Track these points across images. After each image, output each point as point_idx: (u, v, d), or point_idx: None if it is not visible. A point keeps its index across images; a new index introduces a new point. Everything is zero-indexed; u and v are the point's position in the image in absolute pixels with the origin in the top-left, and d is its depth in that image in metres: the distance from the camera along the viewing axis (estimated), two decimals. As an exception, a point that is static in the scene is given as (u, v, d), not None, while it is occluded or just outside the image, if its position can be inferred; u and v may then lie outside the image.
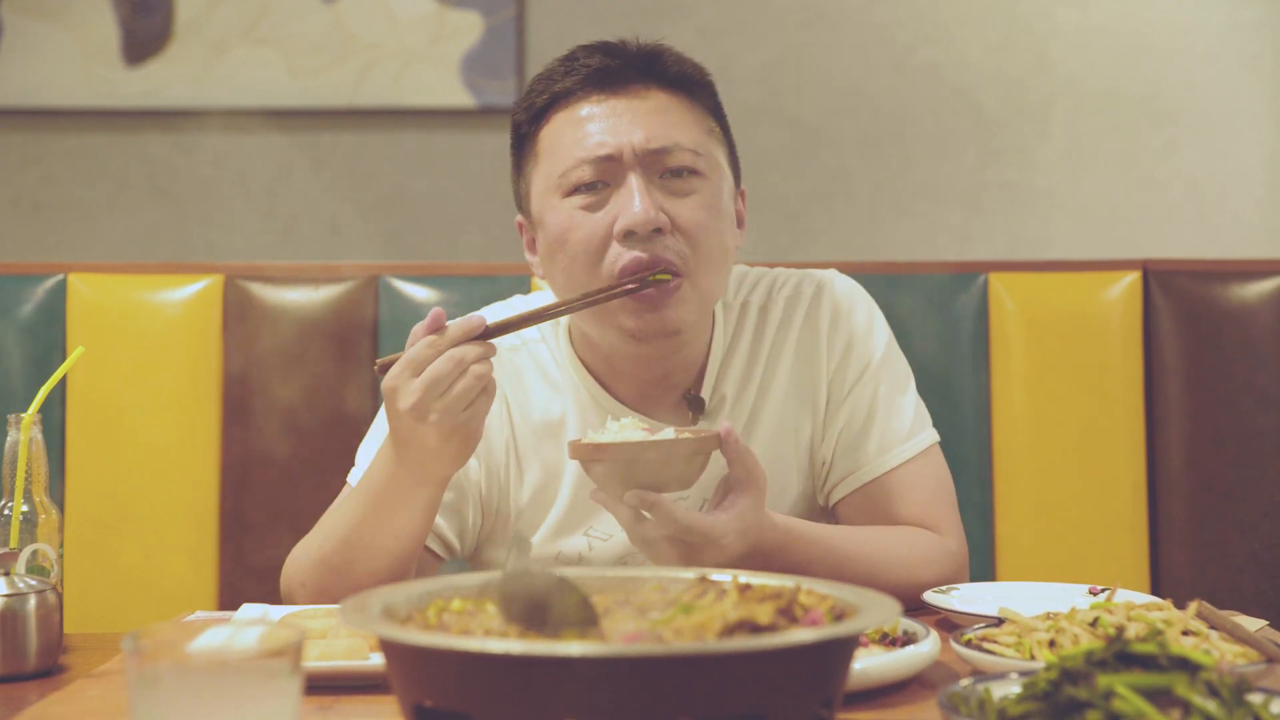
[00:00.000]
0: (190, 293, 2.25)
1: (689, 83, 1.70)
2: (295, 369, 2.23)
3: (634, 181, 1.61)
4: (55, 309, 2.22)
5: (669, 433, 1.47)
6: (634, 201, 1.59)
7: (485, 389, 1.48)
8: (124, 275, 2.27)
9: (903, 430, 1.74)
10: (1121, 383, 2.26)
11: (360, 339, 2.25)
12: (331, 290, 2.26)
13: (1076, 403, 2.27)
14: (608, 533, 1.71)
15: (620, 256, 1.60)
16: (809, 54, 3.47)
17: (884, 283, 2.21)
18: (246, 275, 2.27)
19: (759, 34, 3.48)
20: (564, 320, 1.76)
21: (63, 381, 2.10)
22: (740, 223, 1.74)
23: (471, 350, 1.47)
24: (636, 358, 1.68)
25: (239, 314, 2.24)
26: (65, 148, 3.52)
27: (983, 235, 3.48)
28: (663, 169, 1.63)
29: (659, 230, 1.60)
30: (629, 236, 1.59)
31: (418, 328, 1.49)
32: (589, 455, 1.46)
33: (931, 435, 1.77)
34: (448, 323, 1.48)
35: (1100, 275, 2.30)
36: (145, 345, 2.23)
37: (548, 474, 1.74)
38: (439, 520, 1.70)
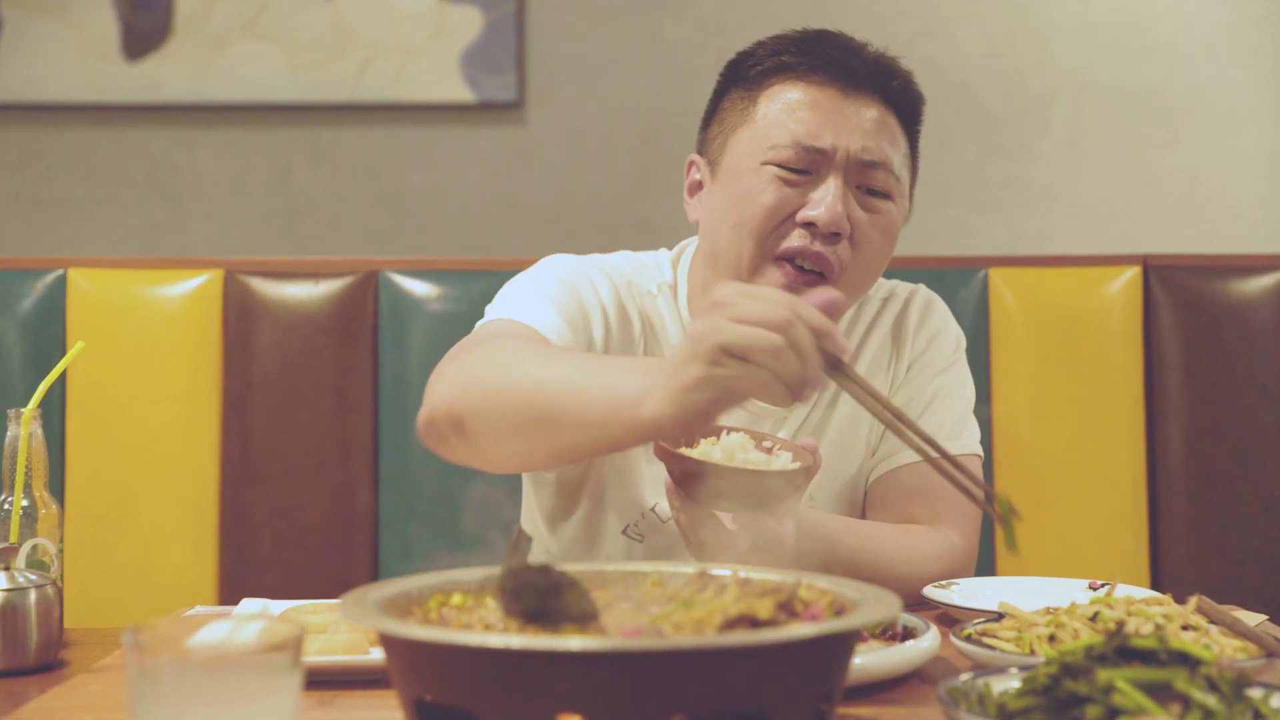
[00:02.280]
0: (190, 288, 2.25)
1: (909, 107, 1.75)
2: (295, 363, 2.24)
3: (835, 182, 1.64)
4: (55, 304, 2.22)
5: (785, 459, 1.37)
6: (829, 199, 1.62)
7: (766, 389, 1.21)
8: (124, 270, 2.27)
9: (944, 429, 1.77)
10: (1122, 378, 2.26)
11: (360, 333, 2.25)
12: (331, 285, 2.26)
13: (1077, 398, 2.27)
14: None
15: (792, 239, 1.63)
16: (809, 49, 3.47)
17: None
18: (246, 270, 2.26)
19: (759, 29, 3.46)
20: (683, 286, 1.77)
21: (63, 376, 2.10)
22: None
23: (817, 356, 1.21)
24: None
25: (239, 309, 2.24)
26: (65, 143, 3.52)
27: (983, 230, 3.48)
28: (862, 181, 1.66)
29: (838, 235, 1.63)
30: (809, 227, 1.62)
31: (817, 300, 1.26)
32: (697, 468, 1.32)
33: (976, 447, 1.80)
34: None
35: (1100, 270, 2.30)
36: (145, 340, 2.23)
37: None
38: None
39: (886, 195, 1.68)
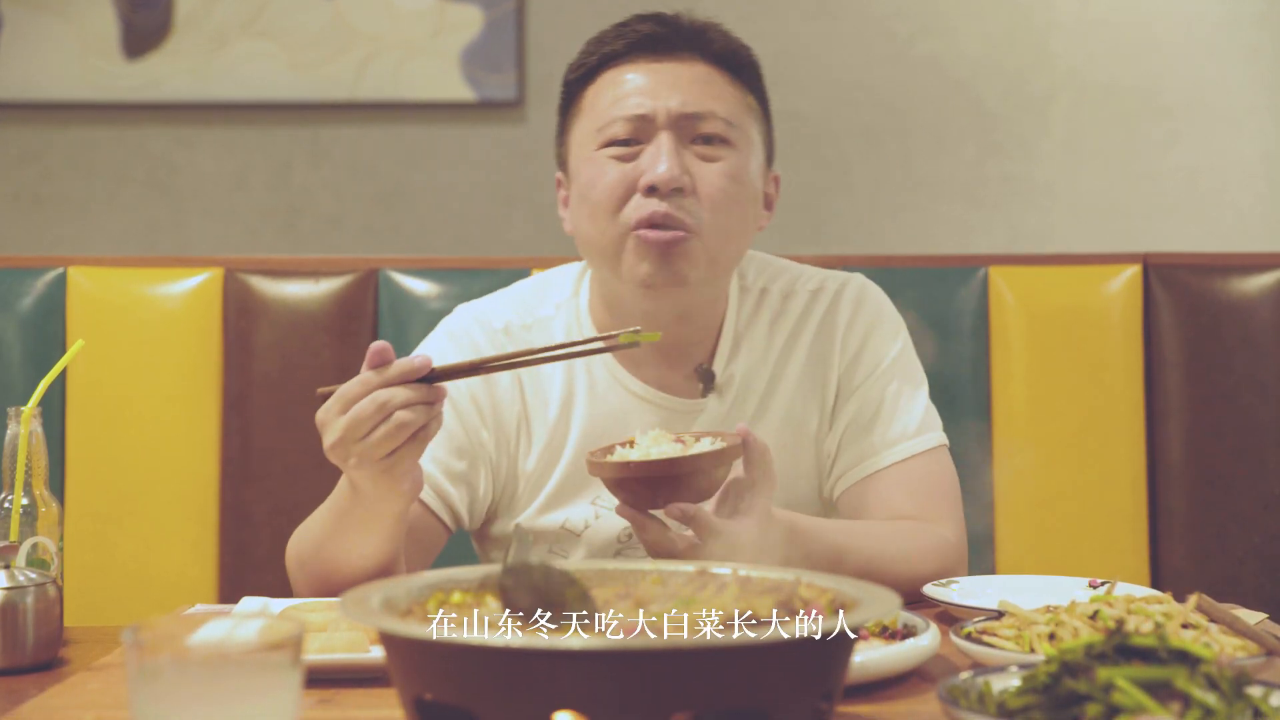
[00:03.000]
0: (190, 286, 2.25)
1: (734, 59, 1.74)
2: (295, 362, 2.24)
3: (663, 140, 1.66)
4: (55, 303, 2.22)
5: (704, 444, 1.46)
6: (661, 158, 1.64)
7: (416, 435, 1.43)
8: (124, 269, 2.27)
9: (909, 428, 1.75)
10: (1121, 376, 2.26)
11: (360, 332, 2.24)
12: (331, 283, 2.26)
13: (1076, 396, 2.27)
14: (614, 501, 1.71)
15: (640, 208, 1.64)
16: (809, 47, 3.47)
17: (884, 276, 2.20)
18: (246, 268, 2.26)
19: (759, 26, 3.47)
20: (584, 294, 1.79)
21: (63, 375, 2.10)
22: (769, 205, 1.78)
23: (401, 394, 1.41)
24: (650, 322, 1.69)
25: (239, 307, 2.24)
26: (65, 141, 3.52)
27: (983, 228, 3.48)
28: (694, 134, 1.68)
29: (680, 190, 1.64)
30: (651, 191, 1.64)
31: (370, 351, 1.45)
32: (616, 473, 1.44)
33: (939, 437, 1.78)
34: (397, 358, 1.44)
35: (1100, 269, 2.30)
36: (145, 339, 2.23)
37: (556, 443, 1.75)
38: (450, 489, 1.71)
39: (723, 140, 1.69)
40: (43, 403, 1.51)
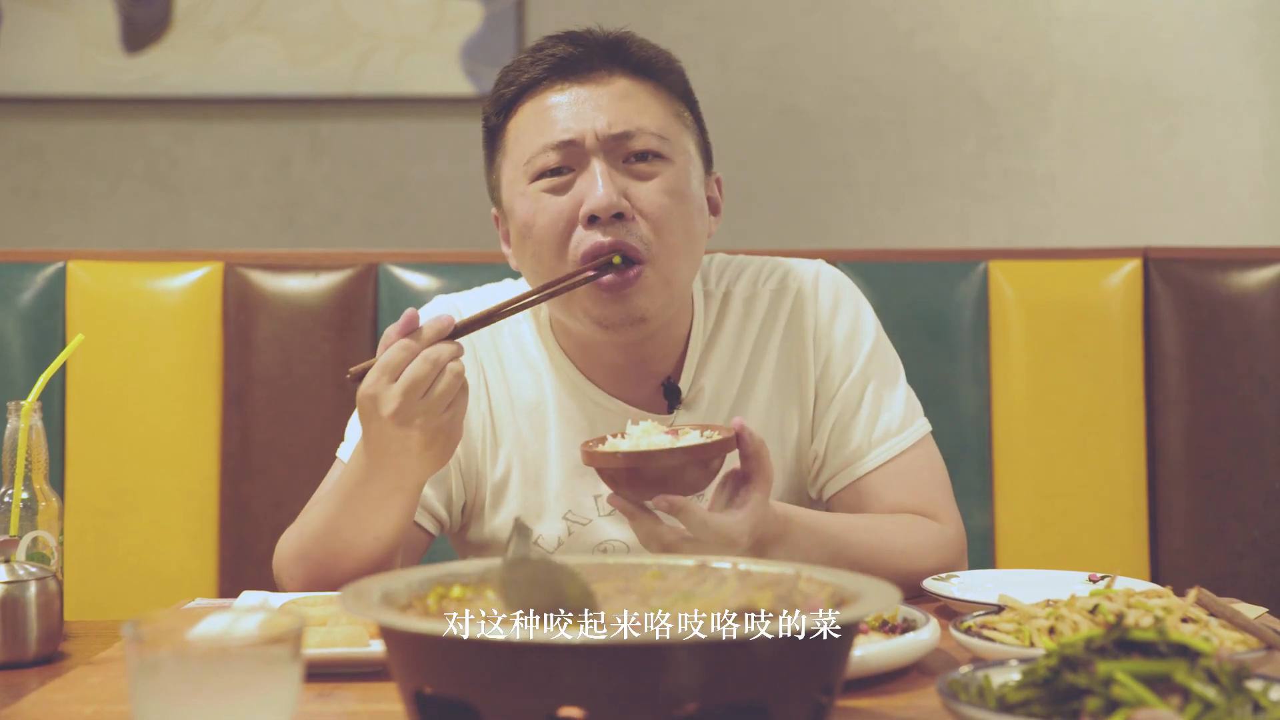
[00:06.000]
0: (190, 280, 2.25)
1: (654, 68, 1.69)
2: (295, 356, 2.24)
3: (596, 166, 1.62)
4: (55, 297, 2.22)
5: (694, 436, 1.45)
6: (596, 186, 1.60)
7: (463, 387, 1.47)
8: (124, 263, 2.27)
9: (894, 424, 1.73)
10: (1121, 370, 2.26)
11: (360, 326, 2.25)
12: (331, 278, 2.26)
13: (1076, 390, 2.27)
14: (586, 517, 1.71)
15: (583, 241, 1.60)
16: (809, 41, 3.46)
17: (884, 270, 2.21)
18: (246, 263, 2.26)
19: (759, 21, 3.47)
20: (544, 306, 1.75)
21: (63, 369, 2.09)
22: (715, 209, 1.75)
23: (446, 349, 1.46)
24: (610, 345, 1.68)
25: (239, 302, 2.24)
26: (65, 136, 3.51)
27: (983, 223, 3.48)
28: (626, 153, 1.63)
29: (621, 215, 1.60)
30: (592, 221, 1.60)
31: (389, 331, 1.48)
32: (609, 463, 1.44)
33: (923, 426, 1.76)
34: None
35: (1100, 263, 2.30)
36: (145, 333, 2.23)
37: (526, 455, 1.73)
38: (426, 491, 1.70)
39: (658, 155, 1.64)
40: (43, 397, 1.51)
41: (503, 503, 1.74)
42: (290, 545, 1.65)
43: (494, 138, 1.73)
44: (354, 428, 1.75)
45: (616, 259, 1.58)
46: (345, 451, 1.74)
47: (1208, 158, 3.48)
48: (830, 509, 1.76)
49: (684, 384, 1.73)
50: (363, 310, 2.25)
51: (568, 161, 1.63)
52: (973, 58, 3.47)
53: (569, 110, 1.64)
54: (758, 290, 1.76)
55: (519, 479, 1.74)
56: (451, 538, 1.82)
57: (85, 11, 3.47)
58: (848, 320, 1.75)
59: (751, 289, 1.77)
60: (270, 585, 1.68)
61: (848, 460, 1.73)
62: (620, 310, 1.61)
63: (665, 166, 1.64)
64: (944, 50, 3.46)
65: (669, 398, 1.72)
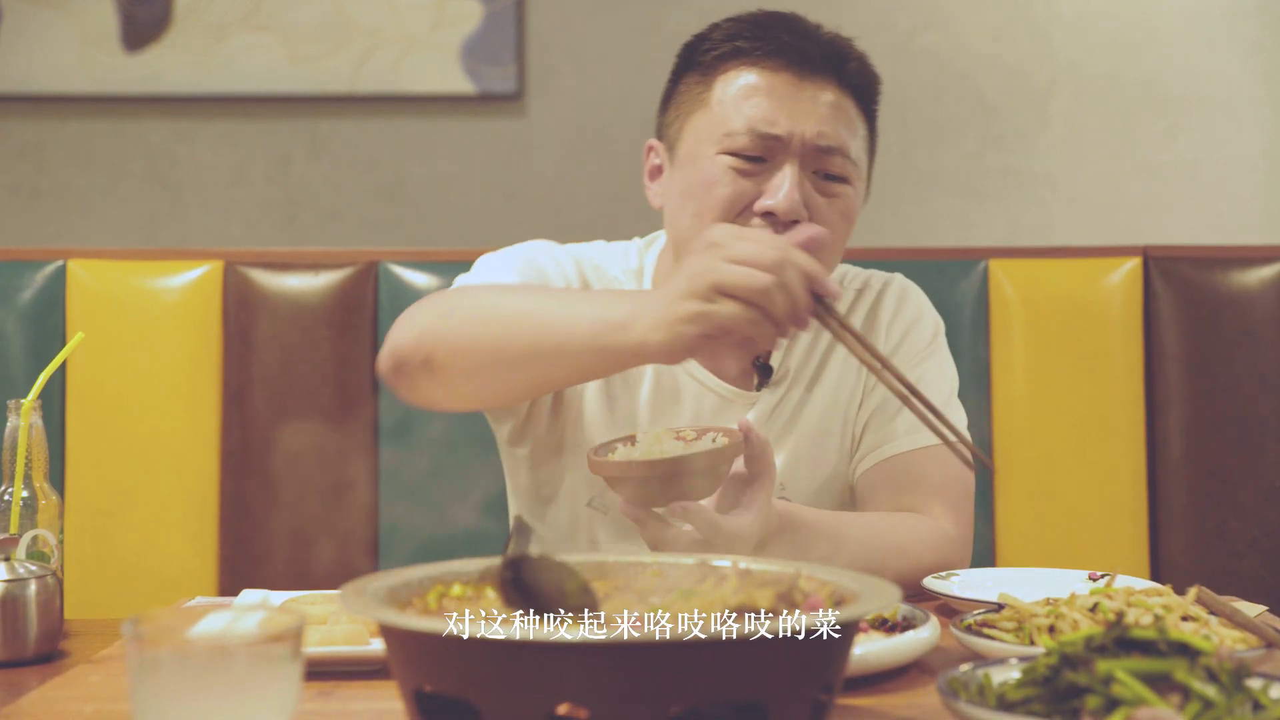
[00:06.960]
0: (190, 279, 2.25)
1: (864, 92, 1.72)
2: (295, 355, 2.24)
3: (790, 169, 1.63)
4: (55, 295, 2.22)
5: (705, 442, 1.44)
6: (784, 187, 1.62)
7: (755, 327, 1.30)
8: (124, 261, 2.27)
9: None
10: (1121, 369, 2.26)
11: (360, 325, 2.25)
12: (331, 276, 2.26)
13: (1077, 389, 2.27)
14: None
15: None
16: (809, 40, 3.46)
17: (884, 269, 2.20)
18: (246, 261, 2.27)
19: (759, 20, 3.47)
20: (649, 268, 1.79)
21: (62, 367, 2.09)
22: None
23: (806, 301, 1.31)
24: None
25: (239, 300, 2.24)
26: (65, 134, 3.51)
27: (983, 221, 3.48)
28: (819, 166, 1.66)
29: (795, 221, 1.62)
30: (768, 216, 1.62)
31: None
32: (619, 472, 1.43)
33: (962, 433, 1.77)
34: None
35: (1100, 261, 2.30)
36: (145, 331, 2.23)
37: (616, 403, 1.74)
38: None
39: (844, 179, 1.67)
40: (43, 395, 1.52)
41: (580, 432, 1.73)
42: (445, 329, 1.47)
43: (693, 80, 1.71)
44: (505, 264, 1.73)
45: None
46: (466, 279, 1.71)
47: (1208, 157, 3.48)
48: (856, 490, 1.79)
49: (774, 363, 1.77)
50: (363, 309, 2.25)
51: (764, 152, 1.64)
52: (973, 57, 3.47)
53: (784, 104, 1.65)
54: (844, 286, 1.83)
55: (605, 415, 1.73)
56: (519, 455, 1.80)
57: (85, 10, 3.47)
58: (917, 323, 1.82)
59: (838, 284, 1.80)
60: (270, 583, 1.68)
61: (881, 440, 1.77)
62: None
63: (847, 190, 1.68)
64: (944, 49, 3.46)
65: (761, 376, 1.76)
